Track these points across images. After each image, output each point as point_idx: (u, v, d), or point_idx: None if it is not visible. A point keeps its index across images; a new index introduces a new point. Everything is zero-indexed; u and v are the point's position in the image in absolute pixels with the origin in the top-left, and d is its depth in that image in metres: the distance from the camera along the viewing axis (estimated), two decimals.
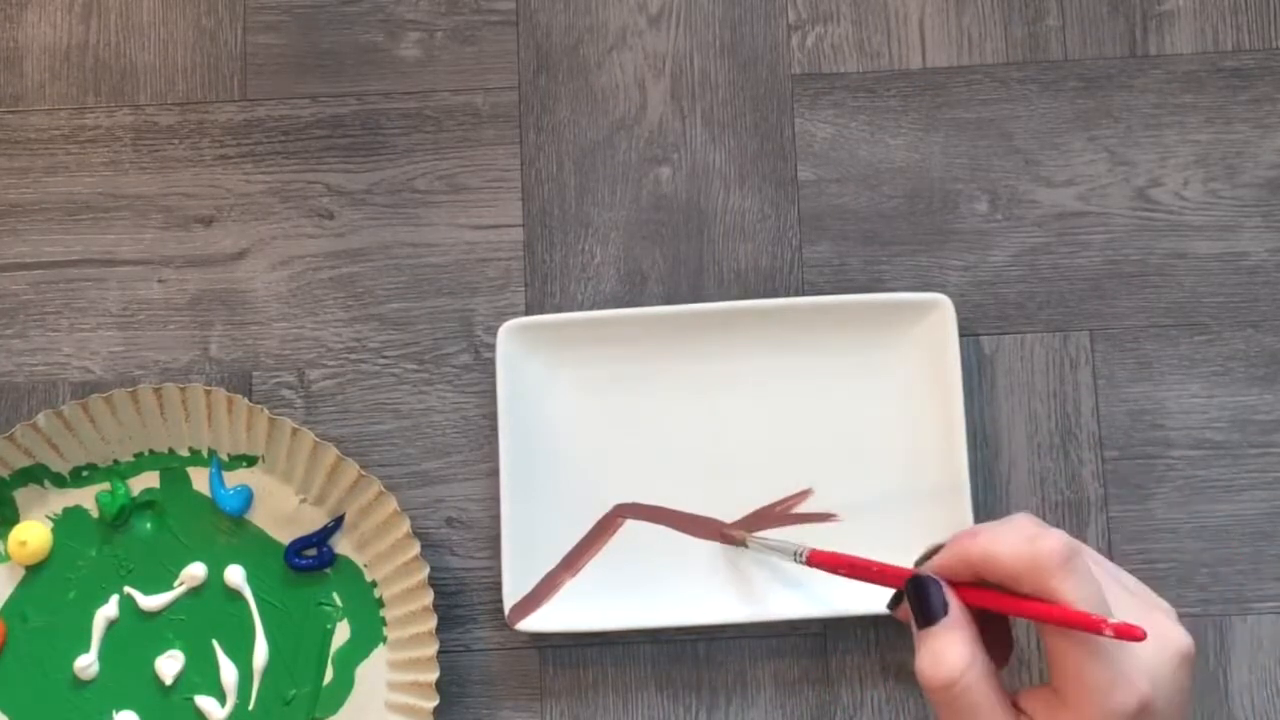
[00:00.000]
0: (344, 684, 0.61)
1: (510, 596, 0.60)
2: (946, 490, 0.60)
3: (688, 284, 0.65)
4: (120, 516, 0.62)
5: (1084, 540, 0.62)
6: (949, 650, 0.46)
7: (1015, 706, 0.46)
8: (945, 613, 0.46)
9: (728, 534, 0.61)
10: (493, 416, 0.63)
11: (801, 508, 0.62)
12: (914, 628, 0.47)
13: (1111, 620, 0.44)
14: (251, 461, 0.62)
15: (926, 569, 0.48)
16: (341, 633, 0.62)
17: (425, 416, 0.64)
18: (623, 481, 0.62)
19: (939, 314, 0.61)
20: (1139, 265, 0.64)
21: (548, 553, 0.62)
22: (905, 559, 0.61)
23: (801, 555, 0.55)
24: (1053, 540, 0.46)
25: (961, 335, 0.62)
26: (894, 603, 0.50)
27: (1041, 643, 0.47)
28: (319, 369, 0.64)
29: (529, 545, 0.61)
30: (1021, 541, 0.46)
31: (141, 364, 0.65)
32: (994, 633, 0.48)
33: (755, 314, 0.62)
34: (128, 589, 0.62)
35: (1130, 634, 0.44)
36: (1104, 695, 0.45)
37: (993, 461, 0.63)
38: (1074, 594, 0.45)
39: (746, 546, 0.60)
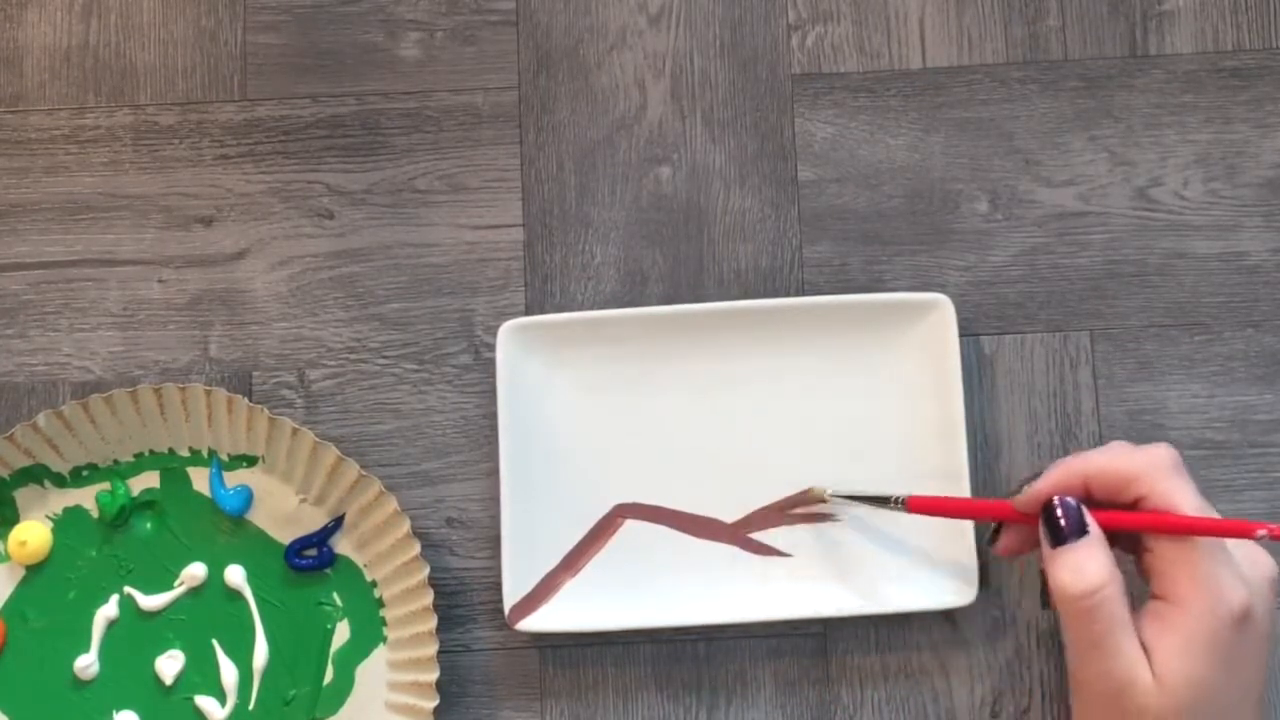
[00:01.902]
0: (344, 684, 0.61)
1: (510, 596, 0.60)
2: (946, 490, 0.60)
3: (688, 284, 0.65)
4: (120, 516, 0.62)
5: None
6: (1091, 562, 0.50)
7: None
8: (1085, 530, 0.50)
9: (803, 497, 0.61)
10: (493, 416, 0.63)
11: (801, 508, 0.62)
12: (1045, 547, 0.51)
13: (1265, 525, 0.49)
14: (251, 461, 0.62)
15: (1037, 489, 0.52)
16: (341, 633, 0.62)
17: (425, 416, 0.64)
18: (623, 481, 0.62)
19: (939, 314, 0.61)
20: (1139, 265, 0.64)
21: (548, 553, 0.62)
22: (904, 558, 0.61)
23: (900, 502, 0.57)
24: (1163, 447, 0.51)
25: (961, 335, 0.62)
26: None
27: (1142, 555, 0.51)
28: (319, 369, 0.64)
29: (529, 545, 0.61)
30: (1131, 451, 0.51)
31: (141, 364, 0.65)
32: None
33: (755, 314, 0.62)
34: (128, 589, 0.62)
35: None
36: (1215, 595, 0.49)
37: (993, 461, 0.63)
38: (1188, 497, 0.50)
39: (825, 501, 0.60)
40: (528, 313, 0.64)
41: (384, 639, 0.62)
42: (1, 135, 0.67)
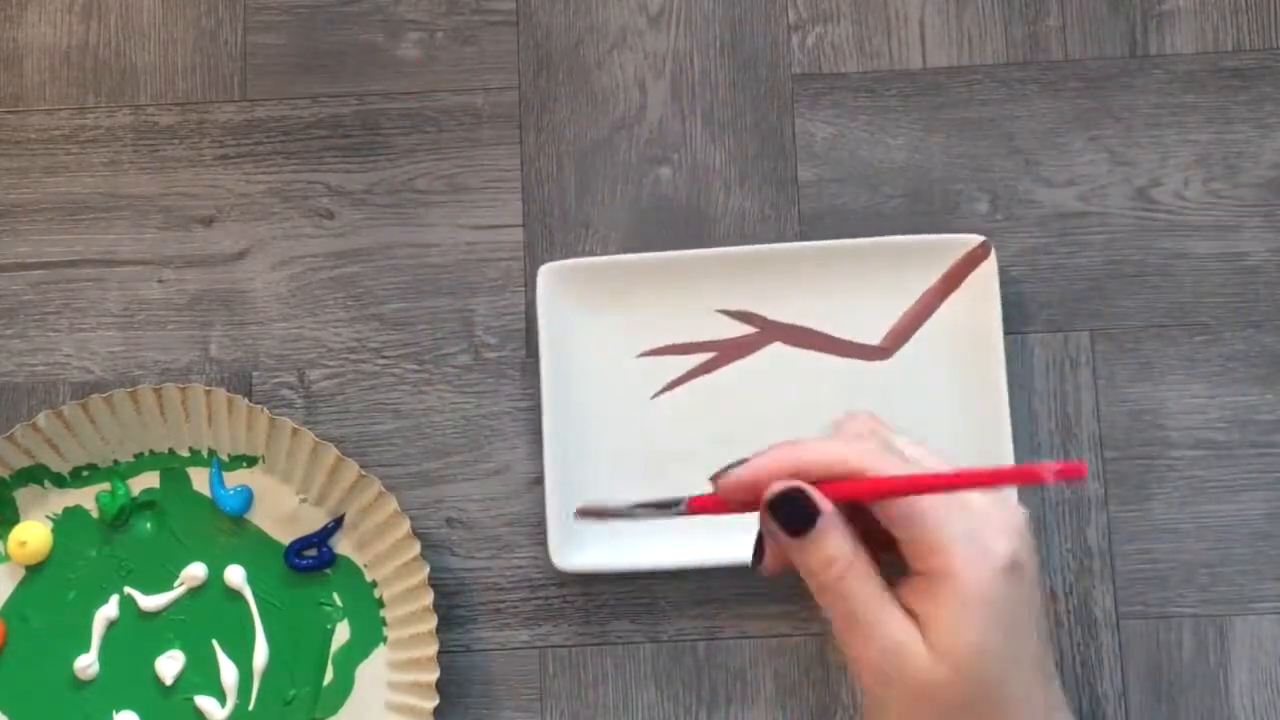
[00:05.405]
0: (344, 684, 0.61)
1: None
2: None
3: None
4: (120, 516, 0.62)
5: (1084, 539, 0.62)
6: (832, 542, 0.46)
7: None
8: (817, 513, 0.46)
9: (586, 511, 0.54)
10: (493, 416, 0.63)
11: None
12: (785, 542, 0.47)
13: (1047, 463, 0.43)
14: (251, 462, 0.62)
15: (740, 474, 0.47)
16: (341, 633, 0.62)
17: (425, 416, 0.64)
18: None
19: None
20: (1139, 265, 0.64)
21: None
22: None
23: (682, 506, 0.50)
24: (863, 415, 0.48)
25: None
26: (756, 560, 0.50)
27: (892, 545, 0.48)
28: (319, 369, 0.64)
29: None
30: (835, 437, 0.48)
31: (141, 364, 0.65)
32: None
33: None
34: (128, 589, 0.62)
35: (1076, 471, 0.43)
36: (979, 549, 0.46)
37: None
38: (901, 466, 0.46)
39: (611, 517, 0.54)
40: (527, 313, 0.64)
41: (384, 639, 0.62)
42: (1, 135, 0.67)
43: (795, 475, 0.47)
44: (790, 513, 0.47)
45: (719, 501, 0.49)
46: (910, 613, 0.47)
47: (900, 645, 0.46)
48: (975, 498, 0.47)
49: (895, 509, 0.46)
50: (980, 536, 0.46)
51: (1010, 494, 0.50)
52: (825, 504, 0.46)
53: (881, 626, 0.46)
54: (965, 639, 0.46)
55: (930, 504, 0.46)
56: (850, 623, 0.47)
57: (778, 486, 0.47)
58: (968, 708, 0.46)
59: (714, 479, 0.48)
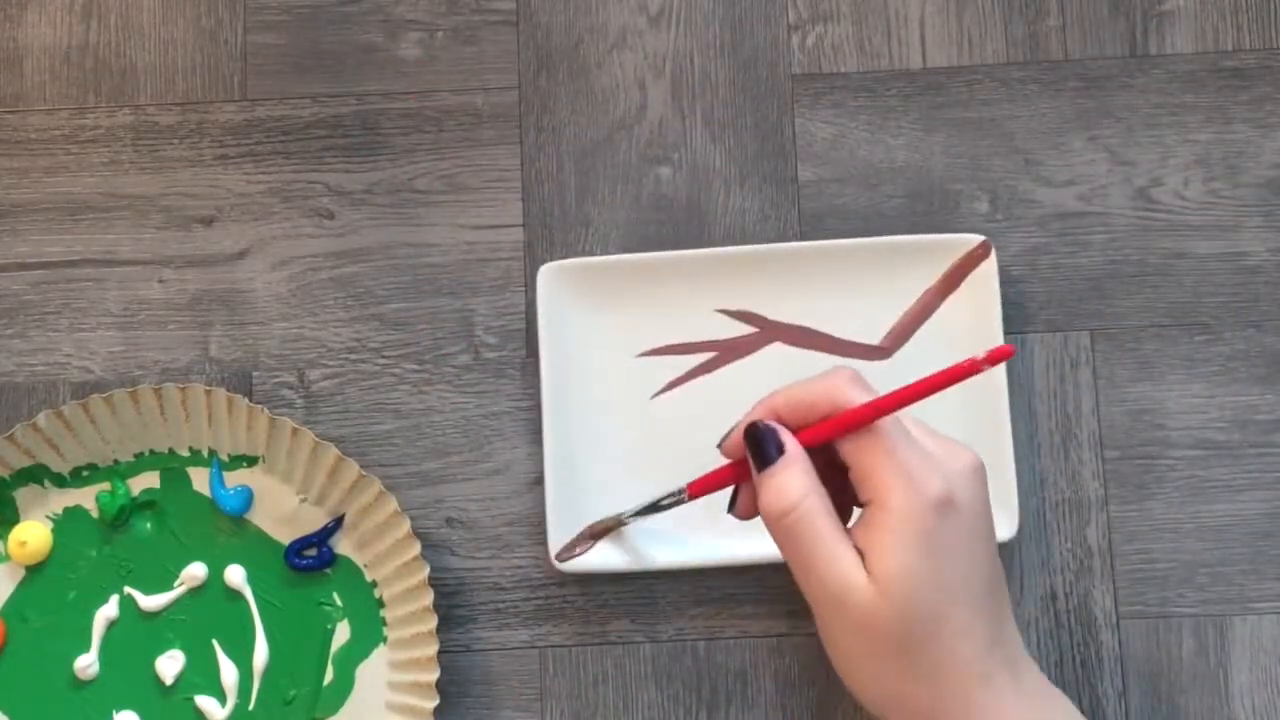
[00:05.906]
0: (344, 684, 0.61)
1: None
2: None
3: None
4: (120, 516, 0.62)
5: (1084, 539, 0.62)
6: (789, 480, 0.50)
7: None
8: (783, 450, 0.51)
9: (595, 531, 0.61)
10: (493, 417, 0.63)
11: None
12: (756, 476, 0.51)
13: (978, 355, 0.48)
14: (251, 461, 0.62)
15: (736, 430, 0.52)
16: (342, 633, 0.62)
17: (425, 416, 0.64)
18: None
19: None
20: (1139, 265, 0.64)
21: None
22: None
23: (683, 493, 0.56)
24: (843, 368, 0.51)
25: None
26: (731, 505, 0.54)
27: (848, 477, 0.51)
28: (319, 369, 0.64)
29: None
30: (813, 377, 0.52)
31: (141, 364, 0.65)
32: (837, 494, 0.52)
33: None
34: (128, 589, 0.62)
35: (1004, 353, 0.48)
36: (910, 484, 0.49)
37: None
38: (866, 396, 0.50)
39: (624, 525, 0.60)
40: (527, 313, 0.64)
41: (384, 639, 0.62)
42: (1, 135, 0.67)
43: (778, 420, 0.52)
44: (760, 445, 0.51)
45: (713, 479, 0.54)
46: (858, 550, 0.50)
47: (846, 579, 0.49)
48: (927, 439, 0.51)
49: (851, 442, 0.50)
50: (918, 471, 0.49)
51: (955, 444, 0.52)
52: (793, 444, 0.51)
53: (829, 562, 0.50)
54: (894, 563, 0.49)
55: (881, 439, 0.50)
56: (802, 559, 0.50)
57: (756, 417, 0.52)
58: (905, 637, 0.49)
59: (719, 445, 0.53)
